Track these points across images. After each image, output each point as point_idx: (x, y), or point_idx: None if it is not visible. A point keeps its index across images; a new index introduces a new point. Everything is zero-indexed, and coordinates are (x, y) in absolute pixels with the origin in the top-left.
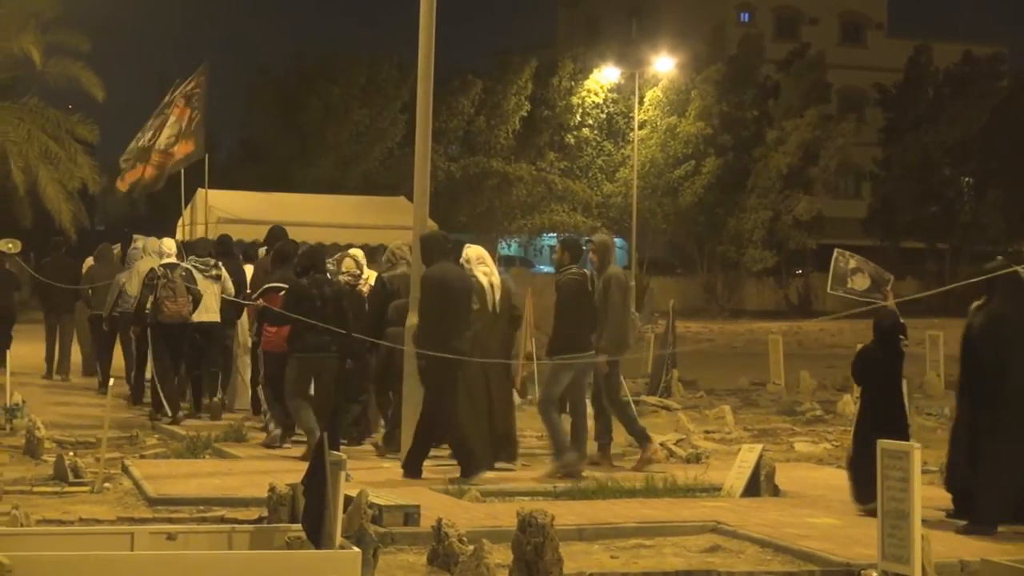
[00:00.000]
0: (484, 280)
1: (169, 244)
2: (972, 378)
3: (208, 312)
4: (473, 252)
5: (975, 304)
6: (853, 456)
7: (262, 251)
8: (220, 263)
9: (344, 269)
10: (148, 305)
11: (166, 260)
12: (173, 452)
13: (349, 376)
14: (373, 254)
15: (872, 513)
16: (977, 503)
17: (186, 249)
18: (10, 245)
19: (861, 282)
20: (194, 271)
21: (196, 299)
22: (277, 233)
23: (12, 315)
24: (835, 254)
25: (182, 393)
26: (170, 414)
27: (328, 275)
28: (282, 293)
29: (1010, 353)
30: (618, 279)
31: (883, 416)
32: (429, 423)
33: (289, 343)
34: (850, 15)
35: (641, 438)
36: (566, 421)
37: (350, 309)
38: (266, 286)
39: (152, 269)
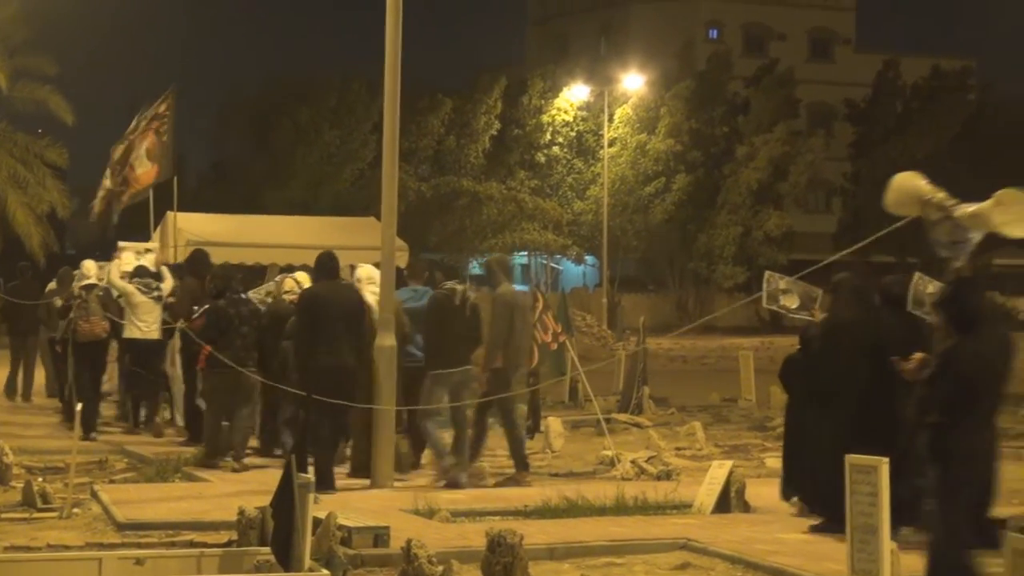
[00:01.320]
0: (372, 299)
1: (88, 266)
2: (816, 383)
3: (147, 330)
4: (363, 272)
5: (818, 313)
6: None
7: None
8: (160, 285)
9: (286, 289)
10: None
11: (85, 282)
12: (143, 476)
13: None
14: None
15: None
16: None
17: (132, 274)
18: None
19: (791, 301)
20: (138, 291)
21: (114, 319)
22: (202, 257)
23: None
24: (766, 275)
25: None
26: (83, 433)
27: (268, 295)
28: (198, 314)
29: (850, 358)
30: (503, 297)
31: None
32: (315, 435)
33: (207, 361)
34: (818, 31)
35: (519, 462)
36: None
37: (268, 328)
38: (206, 307)
39: (70, 291)
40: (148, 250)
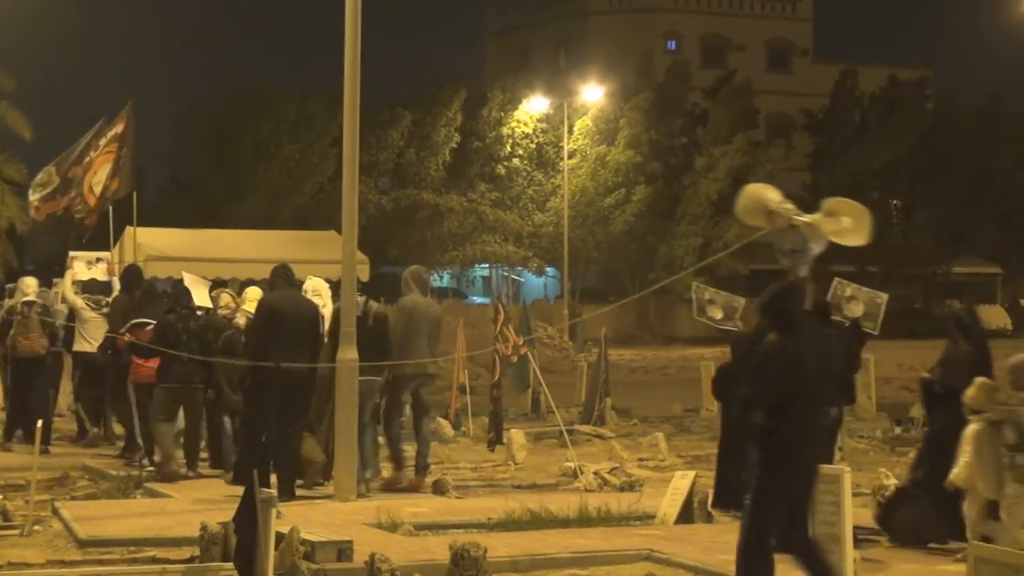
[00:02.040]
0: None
1: (28, 283)
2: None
3: (96, 345)
4: (310, 284)
5: (750, 324)
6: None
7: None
8: (109, 300)
9: (221, 304)
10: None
11: (25, 298)
12: (104, 493)
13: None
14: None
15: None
16: None
17: (83, 288)
18: None
19: (715, 312)
20: (88, 307)
21: (54, 334)
22: (134, 273)
23: None
24: (694, 286)
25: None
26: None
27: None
28: (149, 328)
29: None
30: (400, 307)
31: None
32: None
33: (157, 374)
34: (776, 41)
35: (398, 460)
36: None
37: (215, 342)
38: (133, 321)
39: (11, 307)
40: (99, 259)
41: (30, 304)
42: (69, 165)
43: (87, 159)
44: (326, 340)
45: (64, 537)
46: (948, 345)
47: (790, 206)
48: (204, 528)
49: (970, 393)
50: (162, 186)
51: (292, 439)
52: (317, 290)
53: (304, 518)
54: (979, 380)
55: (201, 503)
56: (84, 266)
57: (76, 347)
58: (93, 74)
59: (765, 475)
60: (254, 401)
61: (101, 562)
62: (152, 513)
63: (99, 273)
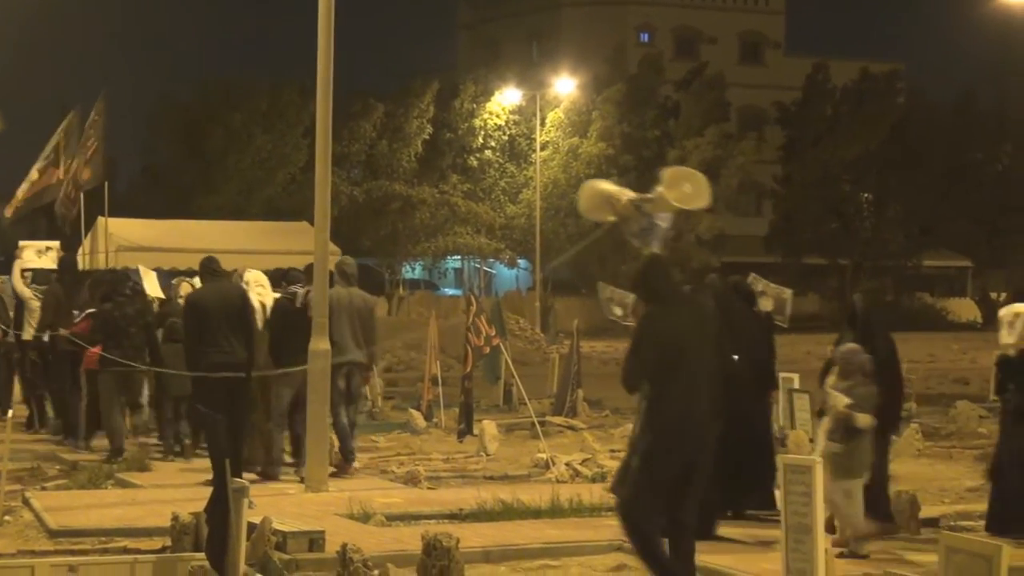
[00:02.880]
0: (256, 301)
1: None
2: None
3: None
4: (251, 276)
5: None
6: None
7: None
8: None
9: (181, 293)
10: None
11: None
12: (75, 483)
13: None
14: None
15: None
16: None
17: (33, 277)
18: None
19: (615, 310)
20: (35, 298)
21: (6, 327)
22: (68, 263)
23: None
24: (599, 286)
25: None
26: None
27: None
28: (80, 318)
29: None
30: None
31: None
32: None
33: (100, 361)
34: (748, 34)
35: (347, 454)
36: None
37: (153, 325)
38: (88, 311)
39: None
40: (49, 248)
41: None
42: (47, 164)
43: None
44: (264, 330)
45: (35, 527)
46: None
47: (629, 193)
48: (175, 518)
49: None
50: (134, 177)
51: (242, 433)
52: (259, 280)
53: (276, 508)
54: None
55: (172, 493)
56: (34, 255)
57: (25, 335)
58: (64, 64)
59: (650, 442)
60: (200, 396)
61: (72, 552)
62: (123, 503)
63: (48, 262)
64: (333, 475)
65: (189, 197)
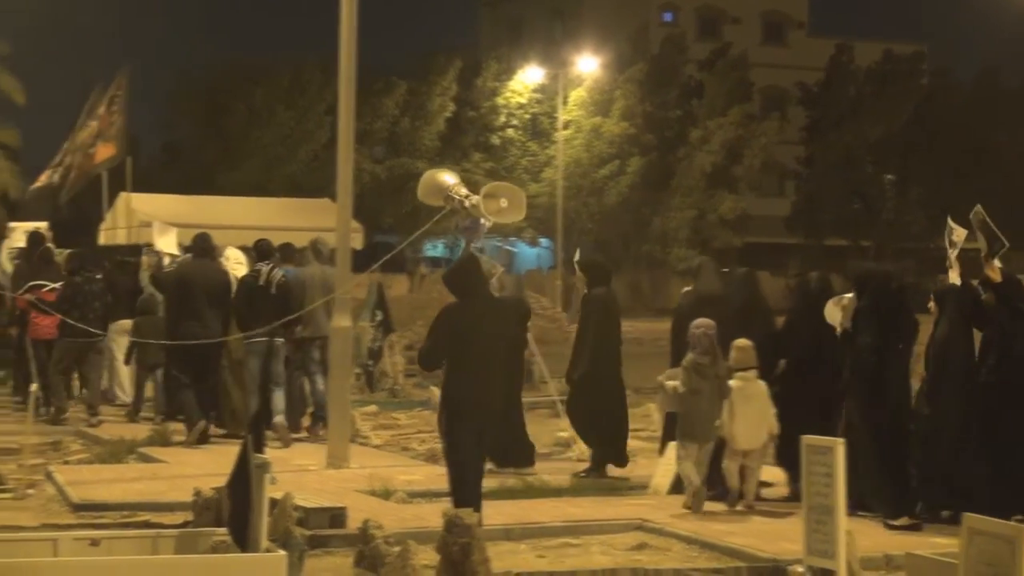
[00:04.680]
0: (233, 276)
1: None
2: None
3: None
4: (231, 252)
5: (684, 290)
6: None
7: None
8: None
9: (228, 256)
10: None
11: None
12: (97, 457)
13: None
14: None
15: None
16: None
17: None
18: None
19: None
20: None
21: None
22: (34, 239)
23: None
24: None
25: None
26: None
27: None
28: (48, 289)
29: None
30: (295, 276)
31: None
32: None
33: (59, 330)
34: (772, 14)
35: (321, 419)
36: None
37: (117, 302)
38: (32, 283)
39: None
40: (37, 228)
41: None
42: (81, 137)
43: (90, 125)
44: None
45: (57, 501)
46: None
47: (462, 190)
48: (197, 493)
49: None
50: (156, 153)
51: (211, 390)
52: (238, 259)
53: (298, 485)
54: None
55: (194, 468)
56: (24, 235)
57: None
58: (88, 39)
59: (448, 420)
60: (175, 363)
61: (94, 526)
62: (145, 478)
63: None
64: (305, 439)
65: (210, 174)
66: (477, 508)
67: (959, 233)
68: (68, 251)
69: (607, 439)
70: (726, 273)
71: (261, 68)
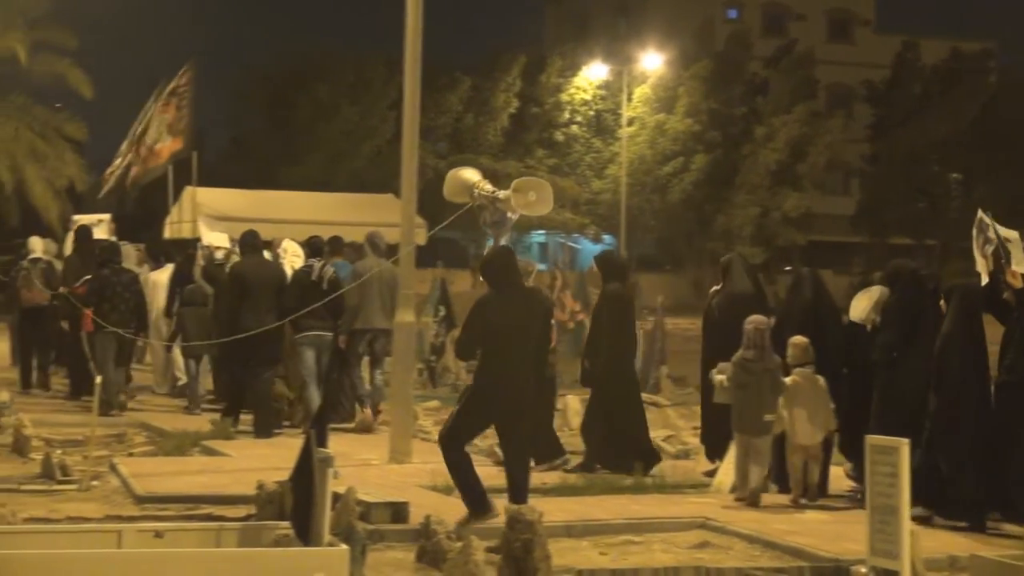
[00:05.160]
0: (289, 269)
1: (34, 242)
2: (717, 350)
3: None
4: (288, 244)
5: (713, 288)
6: None
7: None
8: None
9: (286, 248)
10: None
11: (32, 256)
12: (161, 450)
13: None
14: (359, 251)
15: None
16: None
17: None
18: None
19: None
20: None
21: (54, 290)
22: (82, 233)
23: None
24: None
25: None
26: (21, 388)
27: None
28: (80, 283)
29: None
30: (354, 271)
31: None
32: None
33: (94, 323)
34: (837, 12)
35: (360, 400)
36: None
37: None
38: (85, 278)
39: (18, 264)
40: (100, 220)
41: (35, 261)
42: (138, 130)
43: (149, 117)
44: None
45: (121, 493)
46: None
47: (487, 186)
48: (260, 487)
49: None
50: (221, 147)
51: (264, 384)
52: (295, 252)
53: (360, 479)
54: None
55: (258, 462)
56: (107, 228)
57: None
58: (154, 34)
59: (472, 395)
60: (228, 353)
61: (158, 518)
62: (209, 471)
63: (101, 233)
64: (353, 430)
65: (275, 168)
66: (487, 509)
67: (1001, 232)
68: (134, 245)
69: (607, 439)
70: (778, 272)
71: (326, 63)
